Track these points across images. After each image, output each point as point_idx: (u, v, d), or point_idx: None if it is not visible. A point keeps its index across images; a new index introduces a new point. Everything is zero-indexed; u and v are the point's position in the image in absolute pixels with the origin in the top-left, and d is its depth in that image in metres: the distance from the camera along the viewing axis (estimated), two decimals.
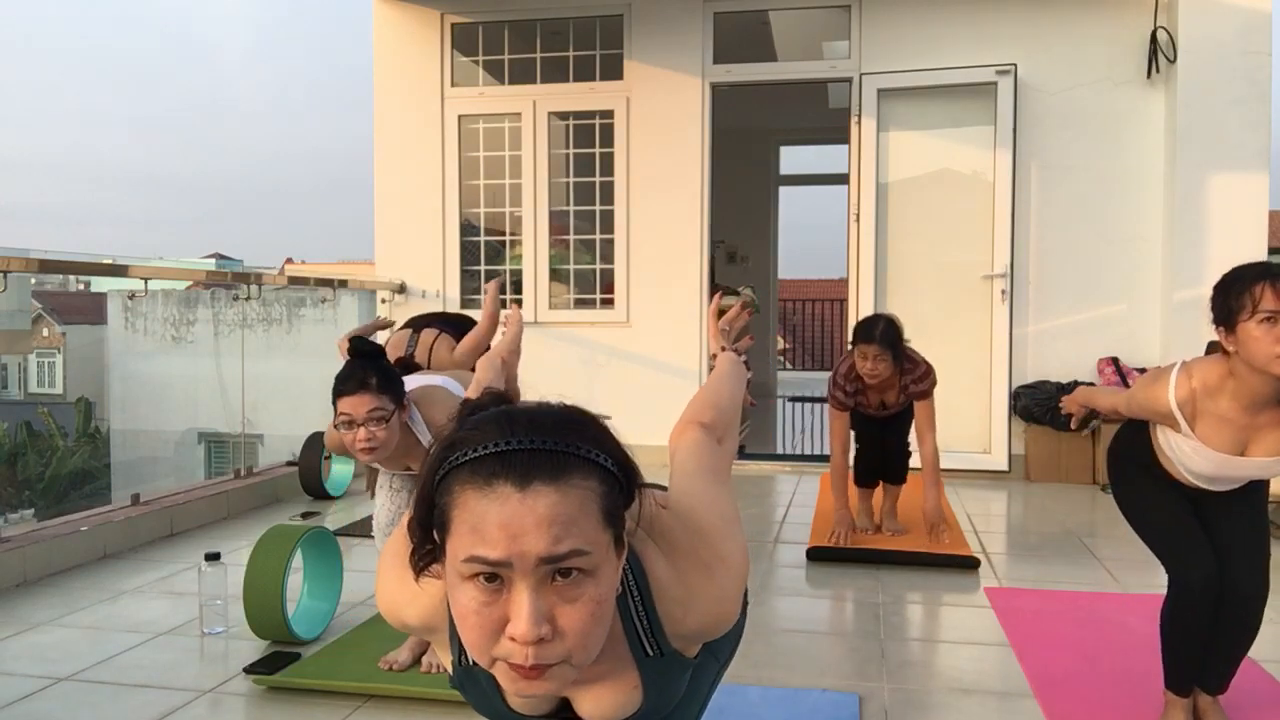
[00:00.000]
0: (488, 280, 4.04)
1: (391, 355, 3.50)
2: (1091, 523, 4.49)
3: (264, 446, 6.35)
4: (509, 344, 2.42)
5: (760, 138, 9.58)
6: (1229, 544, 2.15)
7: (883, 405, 3.94)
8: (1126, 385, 5.25)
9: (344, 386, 2.40)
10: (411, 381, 2.63)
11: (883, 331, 3.71)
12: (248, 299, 5.53)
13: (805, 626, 3.09)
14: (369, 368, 2.42)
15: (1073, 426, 2.47)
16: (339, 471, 5.15)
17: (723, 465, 1.32)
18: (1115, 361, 5.41)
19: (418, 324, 3.66)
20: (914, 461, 4.27)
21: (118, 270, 4.38)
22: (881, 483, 4.19)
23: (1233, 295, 1.91)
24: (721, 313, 2.01)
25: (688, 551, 1.10)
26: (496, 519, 0.91)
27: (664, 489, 1.54)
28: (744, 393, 1.66)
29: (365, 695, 2.45)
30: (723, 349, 1.84)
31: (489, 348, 3.13)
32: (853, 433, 4.07)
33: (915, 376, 3.82)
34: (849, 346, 4.03)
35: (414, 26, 6.25)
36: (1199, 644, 2.15)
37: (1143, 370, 5.35)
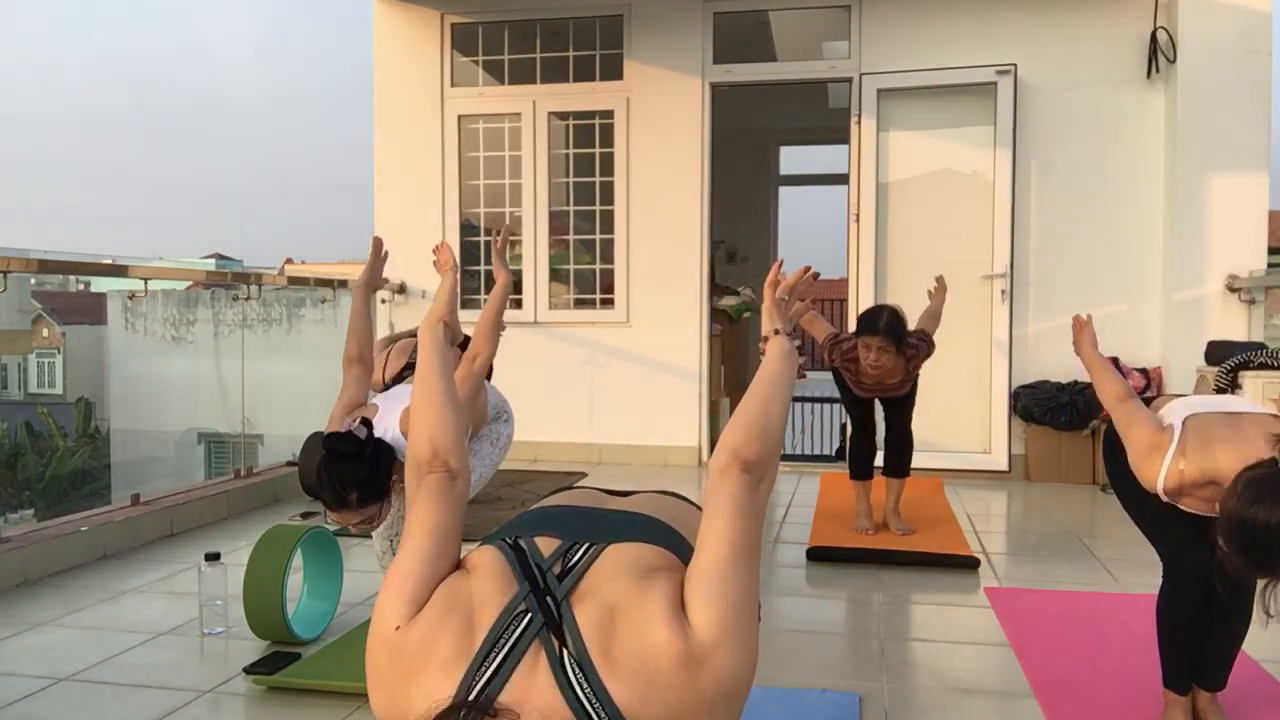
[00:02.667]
0: (487, 283, 3.67)
1: (397, 362, 3.51)
2: (1091, 523, 4.49)
3: (264, 446, 6.35)
4: (446, 306, 1.88)
5: (760, 138, 9.57)
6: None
7: (881, 385, 3.94)
8: None
9: (324, 499, 2.24)
10: (404, 401, 2.47)
11: (887, 323, 3.71)
12: (248, 299, 5.53)
13: (805, 626, 3.08)
14: (347, 481, 2.22)
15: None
16: None
17: (756, 530, 1.22)
18: (1115, 361, 5.40)
19: None
20: (917, 462, 4.28)
21: (118, 270, 4.39)
22: (884, 478, 4.18)
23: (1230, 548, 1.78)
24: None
25: (687, 691, 1.07)
26: None
27: (690, 503, 1.52)
28: (795, 382, 1.48)
29: (365, 695, 2.44)
30: (776, 332, 1.55)
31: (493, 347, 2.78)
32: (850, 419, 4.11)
33: (919, 359, 3.85)
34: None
35: (414, 26, 6.24)
36: (1195, 635, 2.16)
37: (1143, 370, 5.35)
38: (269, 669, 2.59)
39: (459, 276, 2.12)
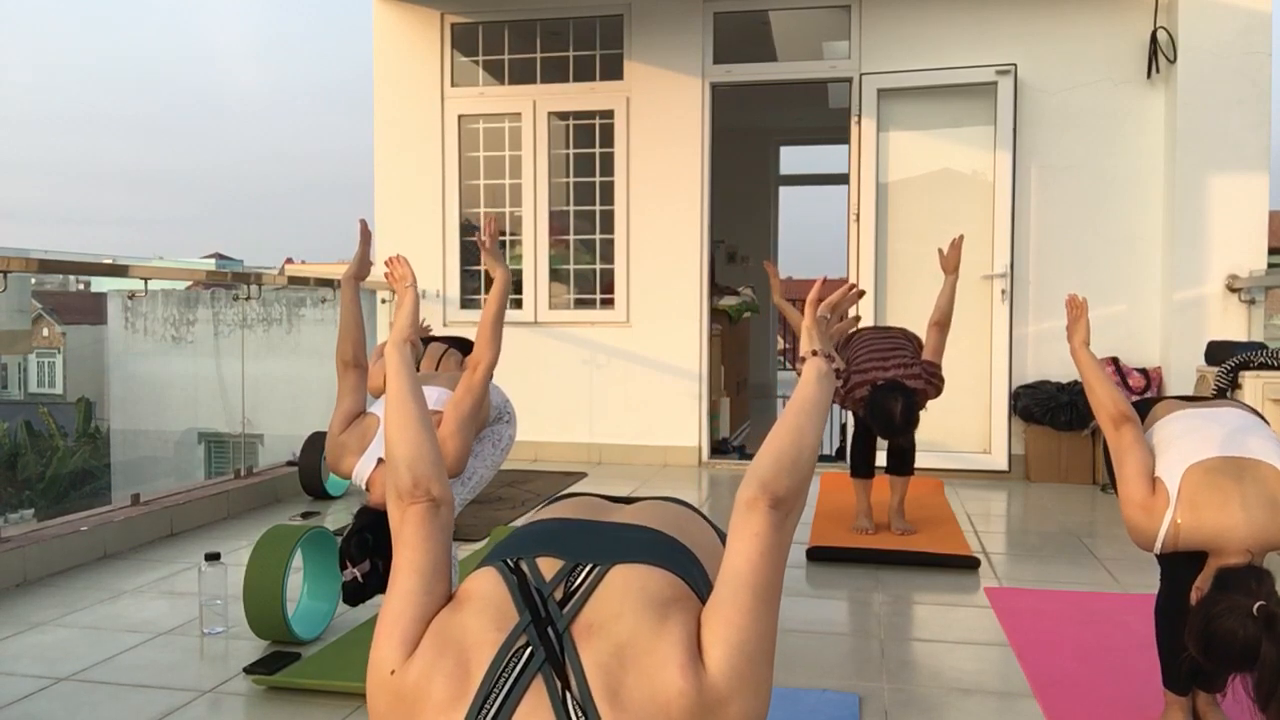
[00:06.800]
0: (487, 283, 3.51)
1: None
2: (1091, 523, 4.49)
3: (264, 446, 6.35)
4: (410, 325, 1.72)
5: (760, 138, 9.58)
6: None
7: None
8: (1126, 385, 5.25)
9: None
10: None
11: (902, 421, 3.72)
12: (248, 299, 5.53)
13: (805, 626, 3.08)
14: (374, 587, 2.38)
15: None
16: None
17: (779, 572, 1.19)
18: (1115, 361, 5.41)
19: (427, 340, 3.69)
20: (918, 462, 4.28)
21: (118, 270, 4.38)
22: (887, 477, 4.17)
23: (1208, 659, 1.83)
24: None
25: None
26: None
27: (694, 510, 1.51)
28: (830, 405, 1.39)
29: (365, 695, 2.45)
30: (813, 353, 1.44)
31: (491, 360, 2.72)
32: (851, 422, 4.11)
33: (927, 398, 3.85)
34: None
35: (414, 26, 6.25)
36: None
37: (1143, 370, 5.35)
38: (269, 669, 2.59)
39: (419, 292, 2.05)
